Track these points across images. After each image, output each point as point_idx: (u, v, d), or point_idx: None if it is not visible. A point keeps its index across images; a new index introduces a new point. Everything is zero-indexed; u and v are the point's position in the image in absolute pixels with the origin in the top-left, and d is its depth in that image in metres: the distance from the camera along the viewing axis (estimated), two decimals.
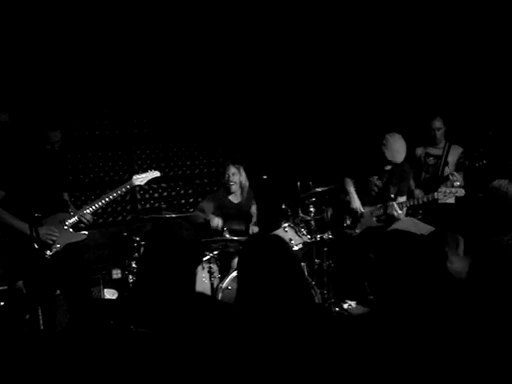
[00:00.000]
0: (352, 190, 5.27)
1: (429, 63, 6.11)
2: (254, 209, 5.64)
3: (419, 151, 5.54)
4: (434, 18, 5.94)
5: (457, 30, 5.80)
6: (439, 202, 5.37)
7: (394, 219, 4.92)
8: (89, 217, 4.19)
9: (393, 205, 4.97)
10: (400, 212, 4.96)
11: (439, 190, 4.99)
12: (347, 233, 5.31)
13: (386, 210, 5.03)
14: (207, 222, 5.26)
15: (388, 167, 5.07)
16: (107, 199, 4.26)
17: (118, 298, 5.20)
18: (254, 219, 5.61)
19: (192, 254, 2.18)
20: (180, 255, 2.14)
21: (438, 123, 5.41)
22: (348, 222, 5.30)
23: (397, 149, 4.91)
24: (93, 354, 1.99)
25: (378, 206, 5.17)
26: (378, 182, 5.18)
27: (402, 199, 5.11)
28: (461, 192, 4.91)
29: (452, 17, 5.83)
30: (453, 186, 4.96)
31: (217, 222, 5.23)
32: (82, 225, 4.22)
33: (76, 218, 4.13)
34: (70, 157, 5.62)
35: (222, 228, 5.15)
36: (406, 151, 4.95)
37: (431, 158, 5.47)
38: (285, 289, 2.05)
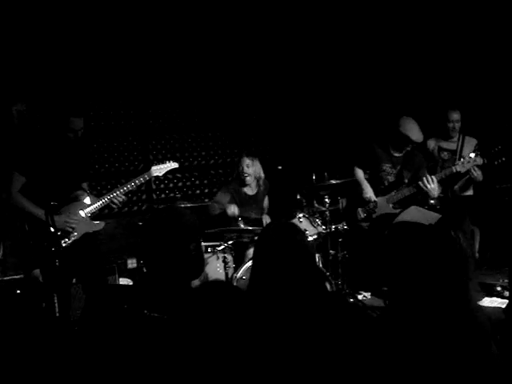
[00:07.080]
0: (363, 179, 5.21)
1: (438, 54, 6.06)
2: (266, 201, 5.55)
3: (431, 144, 5.39)
4: (446, 12, 5.89)
5: (468, 23, 5.75)
6: (457, 193, 5.29)
7: (428, 196, 4.83)
8: (118, 200, 4.21)
9: (432, 178, 4.80)
10: (435, 183, 4.82)
11: (456, 162, 4.91)
12: (361, 226, 5.25)
13: (422, 188, 4.83)
14: (224, 212, 5.21)
15: (397, 154, 5.05)
16: (125, 189, 4.25)
17: (133, 284, 5.23)
18: (266, 211, 5.55)
19: (188, 235, 2.20)
20: (176, 238, 2.16)
21: (456, 116, 5.22)
22: (362, 216, 5.22)
23: (417, 129, 4.91)
24: (108, 341, 2.00)
25: (393, 192, 5.08)
26: (392, 170, 5.12)
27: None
28: (480, 160, 4.80)
29: (463, 11, 5.78)
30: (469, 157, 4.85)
31: (233, 209, 5.14)
32: (106, 210, 4.23)
33: (96, 205, 4.13)
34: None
35: (238, 217, 5.12)
36: None
37: (445, 153, 5.32)
38: (296, 276, 2.05)
